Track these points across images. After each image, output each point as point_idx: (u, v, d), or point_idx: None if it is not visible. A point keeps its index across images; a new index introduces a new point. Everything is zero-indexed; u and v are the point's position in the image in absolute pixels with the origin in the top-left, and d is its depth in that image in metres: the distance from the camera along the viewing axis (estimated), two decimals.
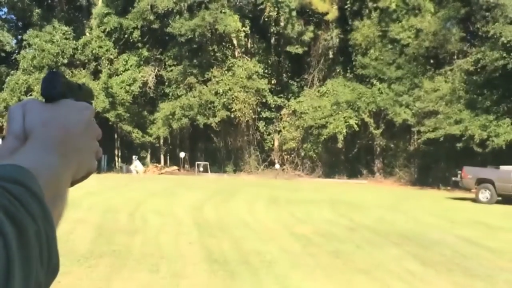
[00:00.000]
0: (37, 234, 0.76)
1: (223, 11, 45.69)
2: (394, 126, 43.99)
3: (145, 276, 9.36)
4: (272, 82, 50.22)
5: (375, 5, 44.37)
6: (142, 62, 50.92)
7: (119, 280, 9.02)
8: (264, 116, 49.94)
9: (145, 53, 50.96)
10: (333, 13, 46.51)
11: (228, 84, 46.39)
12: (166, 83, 50.57)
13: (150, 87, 51.12)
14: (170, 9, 46.56)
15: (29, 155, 0.88)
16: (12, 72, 48.34)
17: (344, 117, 42.36)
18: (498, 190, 27.83)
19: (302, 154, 48.10)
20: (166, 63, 50.38)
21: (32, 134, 0.93)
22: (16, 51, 51.57)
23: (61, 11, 52.38)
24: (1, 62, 50.55)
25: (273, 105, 49.35)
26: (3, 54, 50.44)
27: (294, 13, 46.33)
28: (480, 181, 28.64)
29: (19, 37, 53.19)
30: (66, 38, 47.80)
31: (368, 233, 15.20)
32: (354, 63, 45.28)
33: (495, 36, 35.21)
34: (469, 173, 29.42)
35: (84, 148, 1.01)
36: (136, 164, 48.16)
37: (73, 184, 1.00)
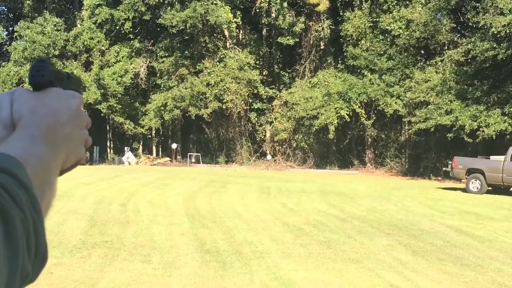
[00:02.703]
0: (24, 223, 0.76)
1: (214, 2, 45.60)
2: (385, 117, 44.11)
3: (137, 266, 9.40)
4: (264, 73, 50.25)
5: None
6: (133, 54, 50.83)
7: (111, 271, 9.06)
8: (255, 107, 49.96)
9: (137, 44, 50.88)
10: (324, 4, 46.50)
11: (220, 75, 46.38)
12: (158, 75, 50.49)
13: (141, 79, 51.06)
14: (161, 1, 46.48)
15: (17, 144, 0.89)
16: (3, 63, 48.26)
17: (335, 108, 42.37)
18: (488, 180, 27.92)
19: (294, 145, 48.17)
20: (158, 54, 50.29)
21: (20, 122, 0.94)
22: (7, 43, 51.55)
23: (52, 2, 52.23)
24: None
25: (265, 96, 49.37)
26: None
27: (285, 4, 46.33)
28: (471, 171, 28.71)
29: (10, 28, 53.10)
30: (57, 30, 47.67)
31: (359, 223, 15.27)
32: (345, 54, 45.31)
33: (486, 27, 35.24)
34: (459, 163, 29.49)
35: (73, 136, 1.01)
36: (128, 156, 48.14)
37: (62, 172, 1.02)
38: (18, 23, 48.21)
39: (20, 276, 0.75)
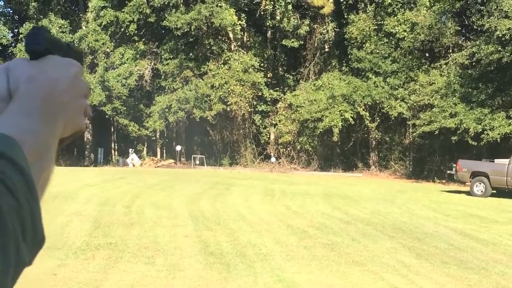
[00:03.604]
0: (18, 212, 0.75)
1: (219, 4, 45.65)
2: (389, 120, 44.13)
3: (141, 268, 9.41)
4: (268, 75, 50.26)
5: None
6: (138, 56, 50.89)
7: (115, 273, 9.08)
8: (260, 109, 49.96)
9: (142, 46, 50.95)
10: (328, 7, 46.53)
11: (224, 78, 46.38)
12: (162, 77, 50.54)
13: (146, 81, 51.12)
14: (166, 3, 46.55)
15: (13, 120, 0.88)
16: None
17: (339, 111, 42.34)
18: (493, 183, 27.88)
19: (298, 147, 48.12)
20: (162, 56, 50.34)
21: (16, 92, 0.92)
22: (13, 45, 51.54)
23: (58, 4, 52.31)
24: None
25: (269, 99, 49.36)
26: None
27: (290, 7, 46.34)
28: (475, 174, 28.69)
29: (16, 30, 53.18)
30: (62, 32, 47.76)
31: (363, 226, 15.26)
32: (349, 56, 45.28)
33: (490, 30, 35.25)
34: (464, 166, 29.47)
35: (71, 104, 0.99)
36: (132, 157, 48.16)
37: (62, 143, 1.00)
38: (23, 25, 48.26)
39: (14, 271, 0.74)
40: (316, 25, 48.88)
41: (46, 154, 0.91)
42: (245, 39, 51.03)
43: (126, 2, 48.60)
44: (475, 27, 37.55)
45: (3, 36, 50.30)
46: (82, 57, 1.14)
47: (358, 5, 45.80)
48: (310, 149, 47.49)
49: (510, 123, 35.02)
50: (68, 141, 1.04)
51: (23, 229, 0.75)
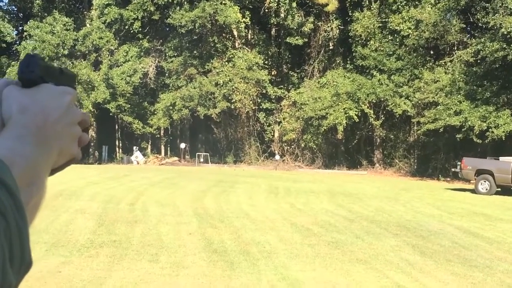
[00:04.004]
0: (6, 232, 0.73)
1: (223, 2, 45.63)
2: (394, 117, 44.05)
3: (145, 266, 9.42)
4: (272, 73, 50.27)
5: None
6: (142, 53, 50.98)
7: (119, 270, 9.08)
8: (264, 107, 49.91)
9: (146, 44, 51.02)
10: (333, 4, 46.47)
11: (229, 75, 46.36)
12: (167, 74, 50.62)
13: (150, 78, 51.20)
14: (170, 0, 46.57)
15: (4, 144, 0.86)
16: (13, 63, 48.32)
17: (344, 108, 42.30)
18: (498, 181, 27.80)
19: (302, 145, 48.13)
20: (167, 54, 50.41)
21: (9, 121, 0.91)
22: (17, 42, 51.63)
23: (62, 2, 52.37)
24: (2, 53, 50.53)
25: (273, 96, 49.34)
26: (3, 45, 50.32)
27: (294, 4, 46.33)
28: (480, 172, 28.61)
29: (20, 28, 53.27)
30: (66, 29, 47.78)
31: (367, 224, 15.24)
32: (354, 54, 45.26)
33: (495, 27, 35.17)
34: (468, 164, 29.40)
35: (65, 134, 0.97)
36: (137, 155, 48.25)
37: (54, 171, 0.99)
38: (28, 22, 48.36)
39: None
40: (320, 23, 48.83)
41: (36, 180, 0.89)
42: (249, 37, 51.07)
43: None
44: (480, 24, 37.43)
45: (8, 33, 50.34)
46: (75, 80, 1.12)
47: (363, 3, 45.68)
48: (315, 146, 47.46)
49: None
50: (62, 169, 1.02)
51: (10, 250, 0.74)
